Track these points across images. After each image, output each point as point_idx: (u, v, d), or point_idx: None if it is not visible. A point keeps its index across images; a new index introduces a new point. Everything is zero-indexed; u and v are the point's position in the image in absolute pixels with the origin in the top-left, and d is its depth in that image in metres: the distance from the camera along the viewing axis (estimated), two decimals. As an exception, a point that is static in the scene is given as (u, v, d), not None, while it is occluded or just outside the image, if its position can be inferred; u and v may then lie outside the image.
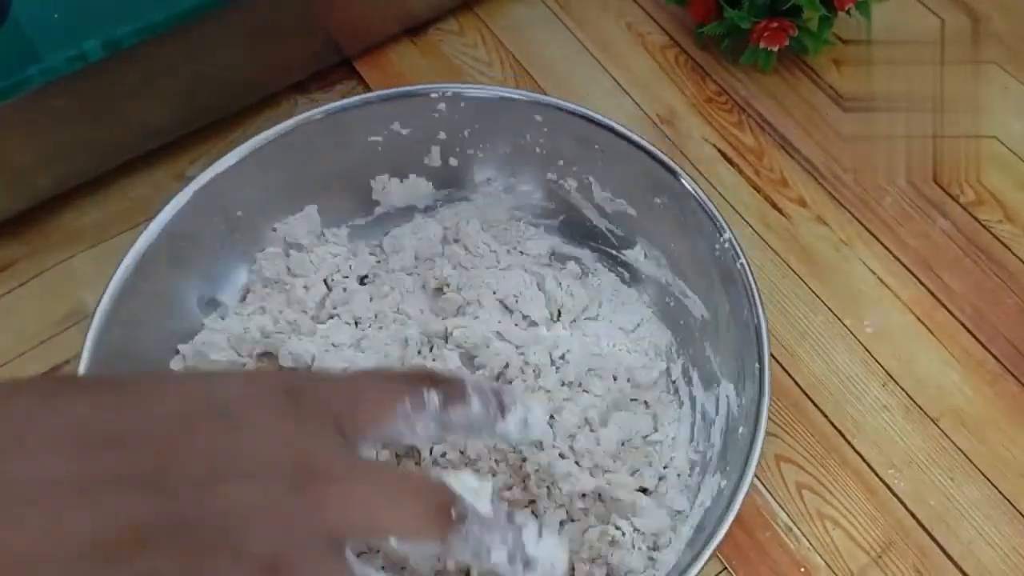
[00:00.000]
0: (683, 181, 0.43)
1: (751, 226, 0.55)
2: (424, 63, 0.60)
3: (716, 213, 0.42)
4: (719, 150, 0.58)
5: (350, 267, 0.48)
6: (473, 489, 0.28)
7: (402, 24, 0.61)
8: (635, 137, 0.44)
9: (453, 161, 0.48)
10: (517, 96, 0.46)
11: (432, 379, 0.29)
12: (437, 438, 0.34)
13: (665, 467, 0.44)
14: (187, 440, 0.24)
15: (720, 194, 0.56)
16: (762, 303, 0.41)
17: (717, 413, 0.43)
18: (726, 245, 0.42)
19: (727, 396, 0.43)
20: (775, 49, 0.58)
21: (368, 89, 0.59)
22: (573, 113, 0.45)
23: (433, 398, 0.29)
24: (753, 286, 0.41)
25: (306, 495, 0.25)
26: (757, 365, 0.40)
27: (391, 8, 0.59)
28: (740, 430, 0.40)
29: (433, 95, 0.45)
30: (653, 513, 0.41)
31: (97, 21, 0.46)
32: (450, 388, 0.29)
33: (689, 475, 0.44)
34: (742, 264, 0.42)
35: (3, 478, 0.22)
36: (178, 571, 0.23)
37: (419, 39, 0.61)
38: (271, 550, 0.24)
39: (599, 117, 0.45)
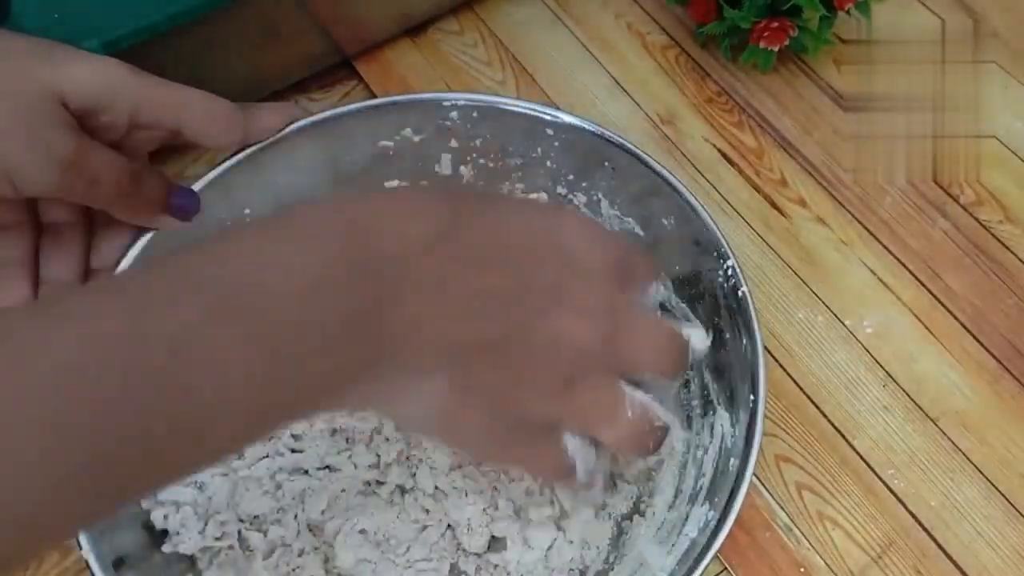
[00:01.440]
0: (692, 203, 0.43)
1: (751, 226, 0.55)
2: (424, 63, 0.60)
3: (722, 239, 0.42)
4: (719, 150, 0.58)
5: None
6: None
7: (402, 24, 0.61)
8: (645, 157, 0.44)
9: (463, 170, 0.48)
10: (529, 109, 0.46)
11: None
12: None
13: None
14: (537, 280, 0.32)
15: (720, 194, 0.56)
16: (761, 334, 0.41)
17: (711, 441, 0.43)
18: (729, 272, 0.42)
19: (721, 425, 0.43)
20: (775, 49, 0.58)
21: (368, 89, 0.59)
22: (585, 129, 0.45)
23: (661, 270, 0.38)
24: (752, 316, 0.41)
25: (608, 340, 0.33)
26: (752, 397, 0.39)
27: (391, 8, 0.59)
28: (732, 461, 0.40)
29: (445, 103, 0.45)
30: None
31: (97, 21, 0.46)
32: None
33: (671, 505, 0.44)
34: (743, 292, 0.41)
35: (425, 277, 0.30)
36: (513, 378, 0.32)
37: (419, 39, 0.61)
38: (571, 371, 0.32)
39: (611, 134, 0.45)
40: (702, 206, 0.43)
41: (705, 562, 0.36)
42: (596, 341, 0.33)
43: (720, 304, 0.43)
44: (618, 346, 0.33)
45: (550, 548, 0.43)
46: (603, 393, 0.33)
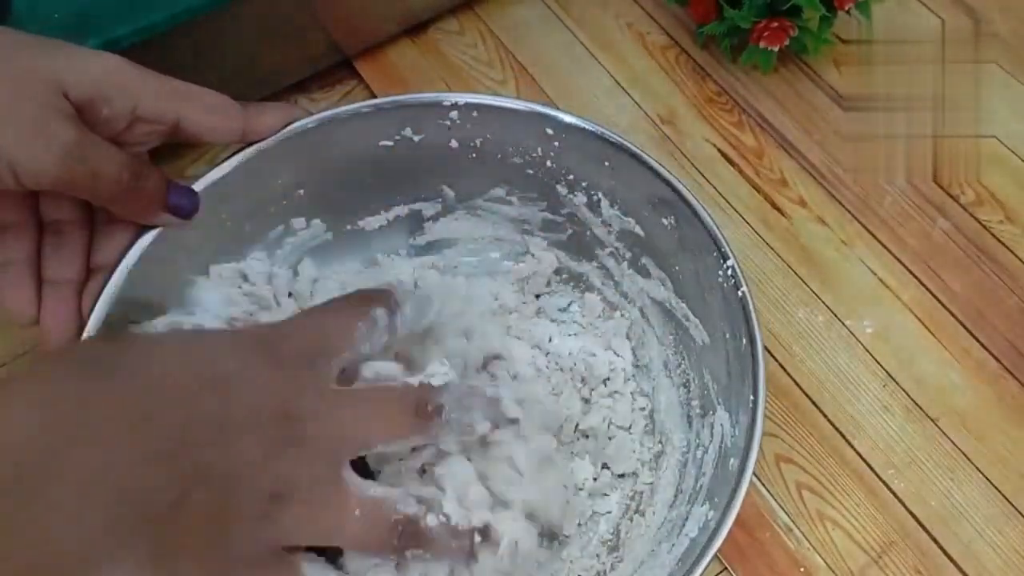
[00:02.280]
0: (691, 203, 0.43)
1: (751, 226, 0.55)
2: (424, 63, 0.60)
3: (722, 238, 0.42)
4: (719, 150, 0.58)
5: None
6: (443, 374, 0.35)
7: (402, 24, 0.61)
8: (646, 157, 0.44)
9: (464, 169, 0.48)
10: (530, 108, 0.46)
11: (372, 299, 0.36)
12: (388, 345, 0.37)
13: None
14: (198, 411, 0.30)
15: (720, 194, 0.56)
16: (761, 334, 0.40)
17: (711, 441, 0.43)
18: (729, 272, 0.42)
19: (721, 425, 0.43)
20: (775, 49, 0.58)
21: (369, 89, 0.59)
22: (585, 129, 0.45)
23: (380, 314, 0.36)
24: (753, 316, 0.41)
25: (295, 434, 0.31)
26: (752, 398, 0.39)
27: (391, 8, 0.59)
28: (732, 461, 0.40)
29: (446, 103, 0.45)
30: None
31: (97, 21, 0.46)
32: (387, 301, 0.36)
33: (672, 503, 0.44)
34: (743, 292, 0.41)
35: (69, 465, 0.27)
36: (209, 519, 0.29)
37: (419, 39, 0.61)
38: (275, 484, 0.30)
39: (611, 134, 0.45)
40: (702, 206, 0.43)
41: (705, 562, 0.36)
42: (277, 446, 0.30)
43: (720, 304, 0.43)
44: (316, 440, 0.31)
45: None
46: (316, 497, 0.31)
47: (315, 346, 0.34)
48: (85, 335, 0.39)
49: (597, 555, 0.44)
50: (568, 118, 0.45)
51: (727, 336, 0.43)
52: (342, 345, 0.34)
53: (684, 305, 0.46)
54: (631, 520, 0.44)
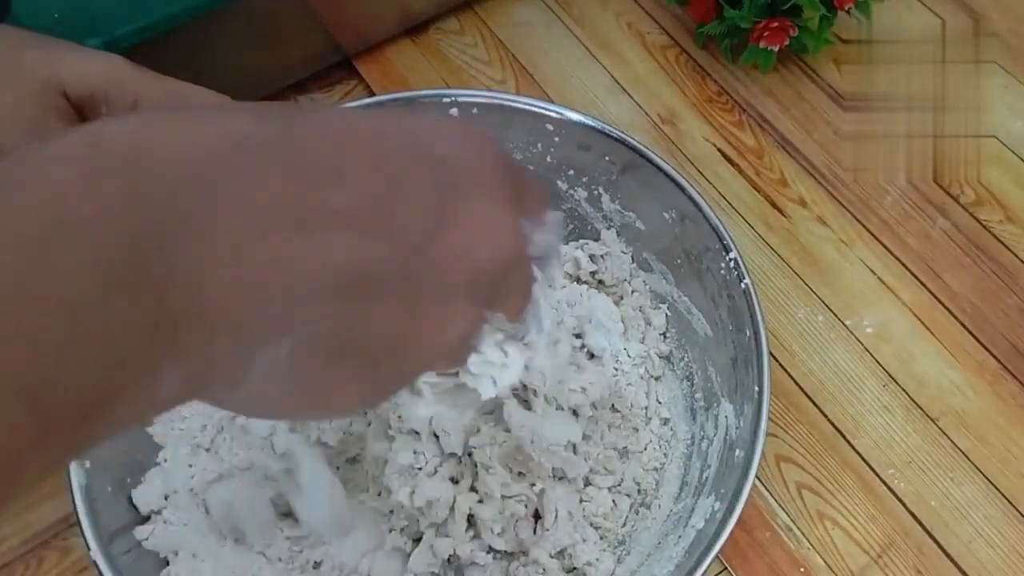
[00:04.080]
0: (693, 196, 0.43)
1: (751, 226, 0.55)
2: (424, 62, 0.60)
3: (724, 231, 0.42)
4: (719, 150, 0.58)
5: None
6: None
7: (402, 24, 0.61)
8: (647, 151, 0.44)
9: None
10: (529, 104, 0.46)
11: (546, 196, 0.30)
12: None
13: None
14: (409, 187, 0.23)
15: (720, 194, 0.56)
16: (765, 326, 0.40)
17: (715, 433, 0.43)
18: (731, 264, 0.42)
19: (726, 417, 0.43)
20: (775, 49, 0.58)
21: (369, 88, 0.59)
22: (586, 125, 0.45)
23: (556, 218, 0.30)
24: (756, 307, 0.41)
25: (505, 266, 0.25)
26: (756, 388, 0.39)
27: (391, 8, 0.59)
28: (737, 453, 0.40)
29: (445, 100, 0.45)
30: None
31: (97, 21, 0.46)
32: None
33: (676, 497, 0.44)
34: (746, 284, 0.41)
35: (233, 209, 0.20)
36: (402, 316, 0.23)
37: (419, 38, 0.61)
38: (487, 303, 0.25)
39: (611, 130, 0.45)
40: (704, 200, 0.43)
41: (714, 552, 0.36)
42: (497, 268, 0.25)
43: (723, 296, 0.43)
44: (508, 275, 0.26)
45: None
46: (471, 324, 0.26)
47: (523, 196, 0.27)
48: None
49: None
50: (568, 113, 0.45)
51: (730, 328, 0.43)
52: (540, 210, 0.28)
53: (686, 298, 0.46)
54: (637, 513, 0.44)
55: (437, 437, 0.40)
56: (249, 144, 0.21)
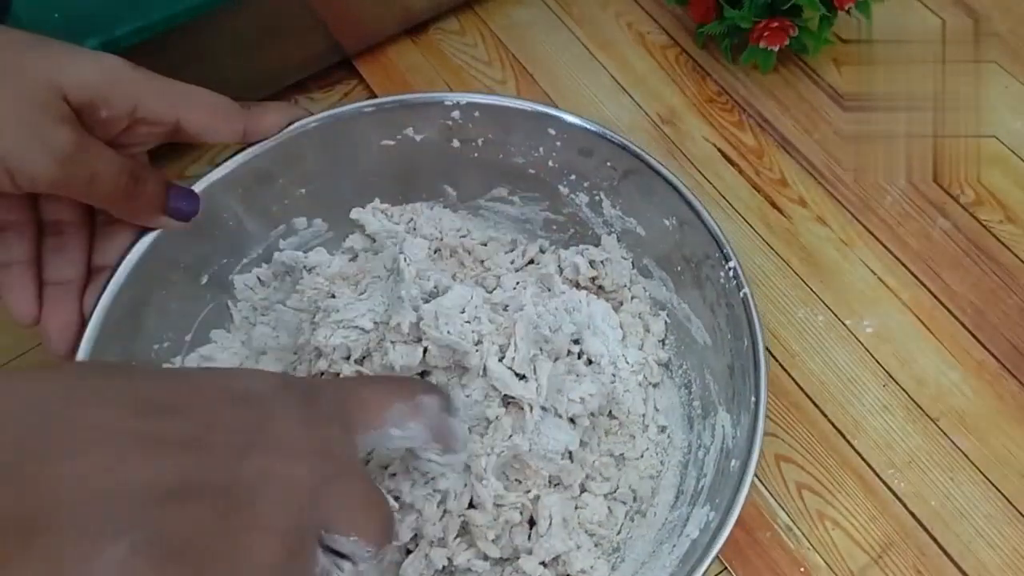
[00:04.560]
0: (693, 204, 0.43)
1: (751, 226, 0.55)
2: (424, 62, 0.60)
3: (724, 239, 0.42)
4: (719, 150, 0.58)
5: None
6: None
7: (402, 23, 0.61)
8: (648, 158, 0.44)
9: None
10: (531, 108, 0.46)
11: (427, 387, 0.35)
12: (424, 443, 0.35)
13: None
14: (227, 416, 0.28)
15: (720, 194, 0.56)
16: (763, 336, 0.40)
17: (712, 442, 0.43)
18: (731, 273, 0.42)
19: (723, 426, 0.43)
20: (775, 49, 0.58)
21: (369, 88, 0.59)
22: (587, 129, 0.45)
23: (429, 402, 0.34)
24: (755, 318, 0.41)
25: (321, 479, 0.29)
26: (753, 398, 0.39)
27: (391, 7, 0.59)
28: (733, 463, 0.40)
29: (448, 103, 0.45)
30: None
31: (97, 21, 0.46)
32: (443, 398, 0.35)
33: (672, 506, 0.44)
34: (745, 294, 0.41)
35: (80, 425, 0.26)
36: (213, 526, 0.26)
37: (419, 38, 0.61)
38: (291, 525, 0.27)
39: (613, 135, 0.45)
40: (704, 208, 0.43)
41: (707, 563, 0.36)
42: (303, 482, 0.28)
43: (722, 305, 0.43)
44: (334, 495, 0.29)
45: None
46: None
47: (353, 410, 0.32)
48: (86, 336, 0.39)
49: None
50: (570, 118, 0.45)
51: (729, 337, 0.43)
52: (372, 420, 0.32)
53: (686, 306, 0.46)
54: (632, 521, 0.44)
55: None
56: (92, 384, 0.27)
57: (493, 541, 0.41)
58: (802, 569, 0.45)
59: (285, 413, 0.29)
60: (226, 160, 0.43)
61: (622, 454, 0.45)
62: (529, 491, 0.41)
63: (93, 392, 0.27)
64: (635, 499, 0.44)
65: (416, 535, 0.41)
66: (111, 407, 0.26)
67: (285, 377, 0.32)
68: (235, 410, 0.28)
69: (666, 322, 0.48)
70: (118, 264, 0.40)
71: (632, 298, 0.49)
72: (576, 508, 0.43)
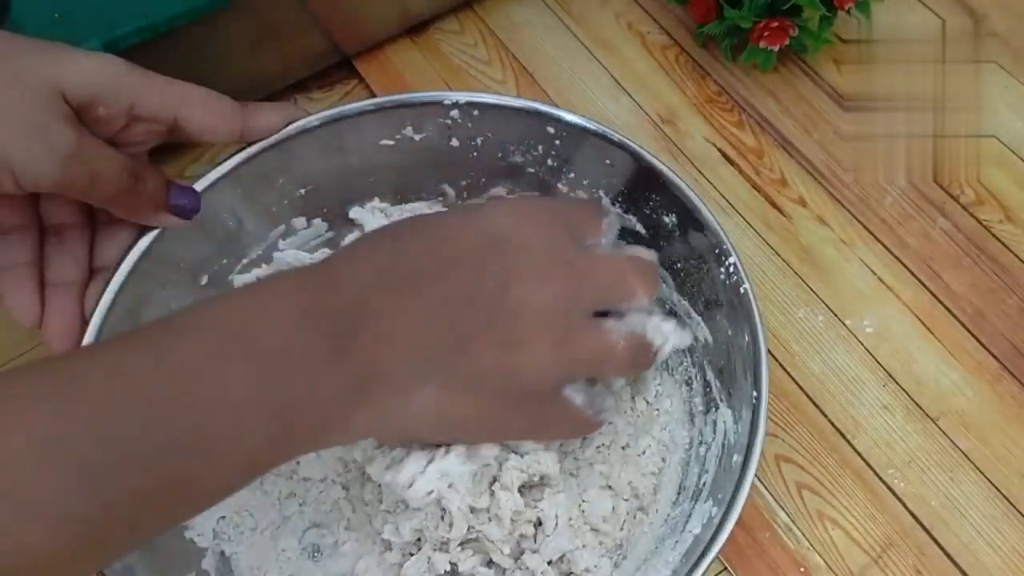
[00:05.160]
0: (693, 201, 0.43)
1: (751, 226, 0.55)
2: (424, 62, 0.60)
3: (723, 236, 0.42)
4: (719, 150, 0.58)
5: None
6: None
7: (402, 23, 0.61)
8: (647, 155, 0.44)
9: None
10: (530, 106, 0.46)
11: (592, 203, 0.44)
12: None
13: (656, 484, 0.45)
14: (484, 267, 0.35)
15: (720, 194, 0.56)
16: (764, 331, 0.40)
17: (713, 438, 0.43)
18: (731, 269, 0.42)
19: (724, 422, 0.43)
20: (775, 49, 0.58)
21: (369, 88, 0.59)
22: (586, 128, 0.45)
23: (611, 209, 0.45)
24: (755, 313, 0.41)
25: (574, 288, 0.36)
26: (755, 393, 0.39)
27: (391, 7, 0.59)
28: (735, 458, 0.40)
29: (447, 102, 0.45)
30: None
31: (97, 21, 0.46)
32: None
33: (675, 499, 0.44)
34: (745, 289, 0.41)
35: (386, 308, 0.34)
36: (502, 356, 0.34)
37: (419, 38, 0.61)
38: (552, 330, 0.35)
39: (612, 132, 0.45)
40: (704, 203, 0.43)
41: (710, 558, 0.36)
42: (562, 295, 0.35)
43: (722, 301, 0.43)
44: (586, 291, 0.36)
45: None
46: (590, 338, 0.36)
47: (576, 223, 0.38)
48: (87, 338, 0.39)
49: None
50: (569, 116, 0.45)
51: (729, 333, 0.43)
52: (591, 226, 0.39)
53: (686, 303, 0.46)
54: (634, 518, 0.44)
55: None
56: (381, 273, 0.34)
57: (507, 554, 0.41)
58: (802, 569, 0.45)
59: (530, 244, 0.36)
60: (226, 160, 0.43)
61: (624, 446, 0.45)
62: (541, 499, 0.42)
63: (390, 274, 0.35)
64: (636, 496, 0.44)
65: (420, 538, 0.41)
66: (408, 284, 0.34)
67: (519, 206, 0.39)
68: (494, 255, 0.35)
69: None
70: (118, 264, 0.40)
71: None
72: (581, 504, 0.43)
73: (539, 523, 0.42)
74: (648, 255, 0.40)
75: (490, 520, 0.41)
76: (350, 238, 0.49)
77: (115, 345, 0.31)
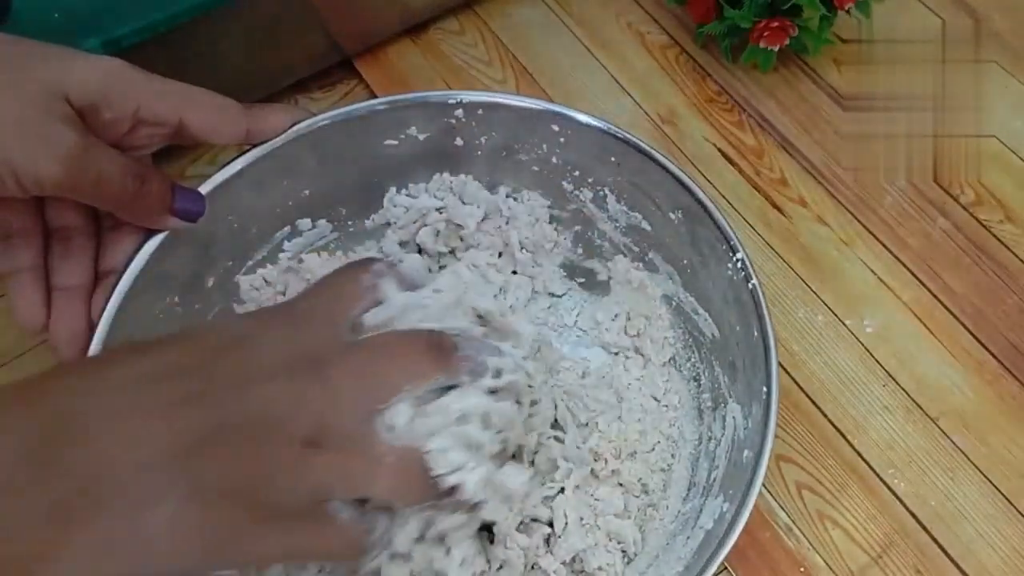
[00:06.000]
0: (700, 197, 0.43)
1: (751, 226, 0.55)
2: (424, 62, 0.60)
3: (731, 232, 0.42)
4: (719, 150, 0.58)
5: None
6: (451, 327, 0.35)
7: (402, 23, 0.61)
8: (653, 152, 0.44)
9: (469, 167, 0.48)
10: (535, 105, 0.46)
11: (371, 259, 0.38)
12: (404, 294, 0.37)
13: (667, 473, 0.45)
14: (221, 363, 0.31)
15: (720, 194, 0.56)
16: (772, 326, 0.41)
17: (723, 434, 0.43)
18: (739, 265, 0.42)
19: (734, 417, 0.43)
20: (775, 49, 0.58)
21: (369, 88, 0.59)
22: (591, 126, 0.45)
23: (380, 267, 0.37)
24: (764, 308, 0.41)
25: (320, 379, 0.31)
26: (764, 388, 0.39)
27: (391, 7, 0.59)
28: (745, 453, 0.40)
29: (451, 101, 0.45)
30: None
31: (97, 21, 0.46)
32: (383, 261, 0.38)
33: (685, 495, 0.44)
34: (753, 285, 0.41)
35: (97, 412, 0.28)
36: (244, 461, 0.30)
37: (419, 38, 0.61)
38: (307, 430, 0.31)
39: (616, 130, 0.45)
40: (710, 200, 0.43)
41: (724, 552, 0.36)
42: (305, 391, 0.31)
43: (730, 297, 0.43)
44: (341, 385, 0.32)
45: None
46: (345, 452, 0.31)
47: (327, 302, 0.35)
48: (94, 342, 0.39)
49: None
50: (574, 115, 0.45)
51: (737, 329, 0.43)
52: (352, 298, 0.35)
53: (692, 299, 0.46)
54: (644, 514, 0.44)
55: None
56: (95, 385, 0.29)
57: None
58: (802, 569, 0.45)
59: (272, 337, 0.32)
60: (230, 161, 0.43)
61: (633, 450, 0.45)
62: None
63: (101, 380, 0.30)
64: (647, 492, 0.45)
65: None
66: (122, 390, 0.29)
67: (262, 311, 0.36)
68: (229, 354, 0.31)
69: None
70: (125, 268, 0.40)
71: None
72: (593, 503, 0.43)
73: (550, 524, 0.42)
74: (428, 328, 0.35)
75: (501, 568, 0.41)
76: (361, 251, 0.49)
77: None
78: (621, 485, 0.44)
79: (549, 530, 0.42)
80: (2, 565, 0.25)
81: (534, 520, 0.42)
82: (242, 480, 0.29)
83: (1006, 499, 0.47)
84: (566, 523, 0.41)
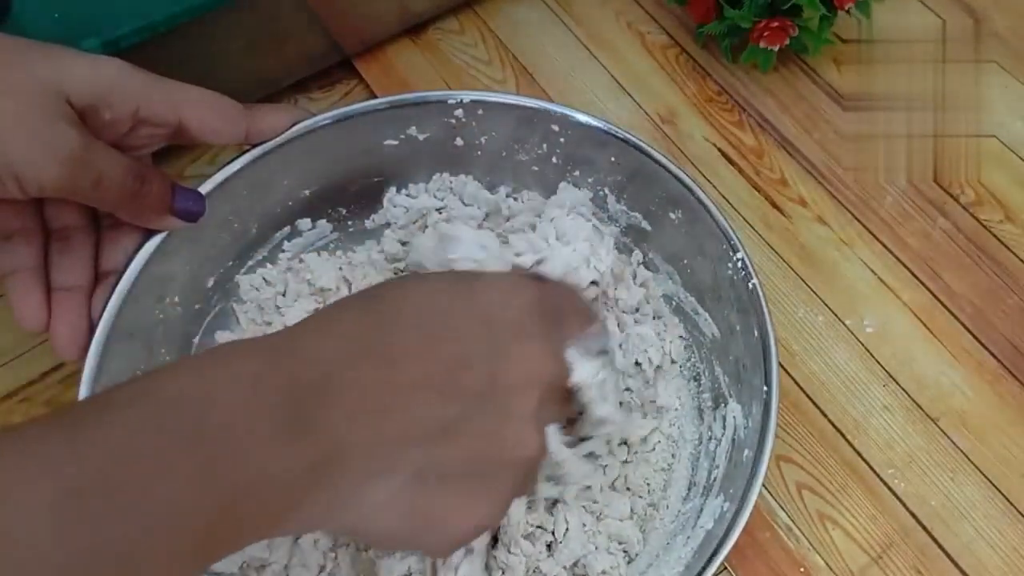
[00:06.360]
0: (700, 197, 0.43)
1: (751, 226, 0.55)
2: (424, 62, 0.60)
3: (731, 231, 0.42)
4: (719, 149, 0.58)
5: (363, 276, 0.48)
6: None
7: (402, 23, 0.61)
8: (652, 151, 0.44)
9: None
10: (535, 105, 0.46)
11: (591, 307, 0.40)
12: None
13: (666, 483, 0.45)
14: (472, 346, 0.32)
15: (720, 194, 0.56)
16: (772, 326, 0.41)
17: (723, 433, 0.43)
18: (739, 264, 0.42)
19: (734, 417, 0.43)
20: (775, 48, 0.58)
21: (369, 88, 0.59)
22: (590, 125, 0.45)
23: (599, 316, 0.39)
24: (764, 308, 0.41)
25: (550, 409, 0.34)
26: (765, 388, 0.39)
27: (391, 7, 0.59)
28: (746, 452, 0.40)
29: (451, 101, 0.45)
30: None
31: (97, 21, 0.46)
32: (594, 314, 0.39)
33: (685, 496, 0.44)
34: (754, 284, 0.41)
35: (356, 384, 0.30)
36: (466, 457, 0.32)
37: (419, 38, 0.61)
38: (526, 454, 0.33)
39: (616, 130, 0.45)
40: (711, 200, 0.43)
41: (724, 552, 0.36)
42: (535, 412, 0.33)
43: (730, 297, 0.43)
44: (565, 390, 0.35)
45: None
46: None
47: (562, 315, 0.36)
48: (95, 343, 0.39)
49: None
50: (574, 114, 0.45)
51: (738, 328, 0.43)
52: (576, 329, 0.36)
53: (692, 299, 0.46)
54: (645, 514, 0.44)
55: None
56: (351, 351, 0.31)
57: None
58: (802, 569, 0.45)
59: (520, 352, 0.33)
60: (230, 161, 0.43)
61: (636, 450, 0.45)
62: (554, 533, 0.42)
63: (363, 352, 0.31)
64: (648, 492, 0.45)
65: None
66: (370, 364, 0.31)
67: (513, 286, 0.36)
68: (479, 359, 0.32)
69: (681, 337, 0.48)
70: (125, 268, 0.40)
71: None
72: (599, 512, 0.43)
73: (552, 533, 0.42)
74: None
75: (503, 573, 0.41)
76: (361, 251, 0.49)
77: (32, 427, 0.26)
78: (629, 489, 0.44)
79: (551, 537, 0.42)
80: (260, 508, 0.28)
81: (537, 527, 0.42)
82: (471, 462, 0.32)
83: (1006, 499, 0.47)
84: (567, 529, 0.41)
